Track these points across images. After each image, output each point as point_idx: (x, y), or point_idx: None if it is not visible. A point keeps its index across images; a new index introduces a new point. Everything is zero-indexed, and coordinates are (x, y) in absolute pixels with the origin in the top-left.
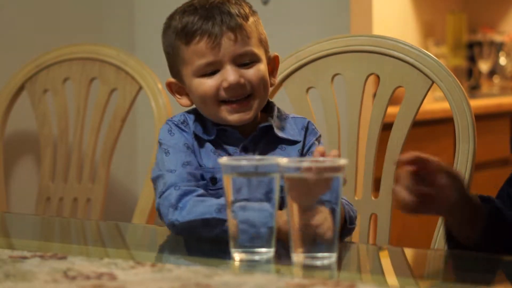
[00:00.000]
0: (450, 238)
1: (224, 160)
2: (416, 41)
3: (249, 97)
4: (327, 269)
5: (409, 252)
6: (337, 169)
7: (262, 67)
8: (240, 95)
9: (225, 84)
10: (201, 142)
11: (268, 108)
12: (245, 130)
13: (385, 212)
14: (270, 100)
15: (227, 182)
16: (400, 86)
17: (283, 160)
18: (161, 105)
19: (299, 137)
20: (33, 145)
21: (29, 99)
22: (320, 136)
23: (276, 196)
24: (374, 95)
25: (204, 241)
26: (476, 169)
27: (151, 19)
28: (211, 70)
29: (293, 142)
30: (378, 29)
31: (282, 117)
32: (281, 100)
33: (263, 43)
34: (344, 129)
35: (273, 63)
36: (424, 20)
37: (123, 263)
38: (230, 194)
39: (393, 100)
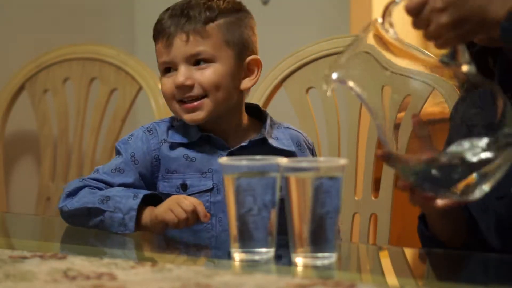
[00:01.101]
0: (424, 225)
1: (224, 160)
2: (416, 41)
3: (202, 98)
4: (327, 269)
5: (409, 252)
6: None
7: (219, 68)
8: (191, 96)
9: (174, 84)
10: (173, 148)
11: (261, 116)
12: (231, 138)
13: (385, 212)
14: (262, 109)
15: (228, 182)
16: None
17: (283, 160)
18: (161, 105)
19: (293, 148)
20: (33, 145)
21: (29, 99)
22: (313, 149)
23: (276, 196)
24: None
25: (204, 240)
26: None
27: (151, 19)
28: (169, 69)
29: (288, 153)
30: None
31: (275, 126)
32: (281, 100)
33: (231, 46)
34: (344, 129)
35: (247, 66)
36: None
37: (123, 263)
38: (230, 194)
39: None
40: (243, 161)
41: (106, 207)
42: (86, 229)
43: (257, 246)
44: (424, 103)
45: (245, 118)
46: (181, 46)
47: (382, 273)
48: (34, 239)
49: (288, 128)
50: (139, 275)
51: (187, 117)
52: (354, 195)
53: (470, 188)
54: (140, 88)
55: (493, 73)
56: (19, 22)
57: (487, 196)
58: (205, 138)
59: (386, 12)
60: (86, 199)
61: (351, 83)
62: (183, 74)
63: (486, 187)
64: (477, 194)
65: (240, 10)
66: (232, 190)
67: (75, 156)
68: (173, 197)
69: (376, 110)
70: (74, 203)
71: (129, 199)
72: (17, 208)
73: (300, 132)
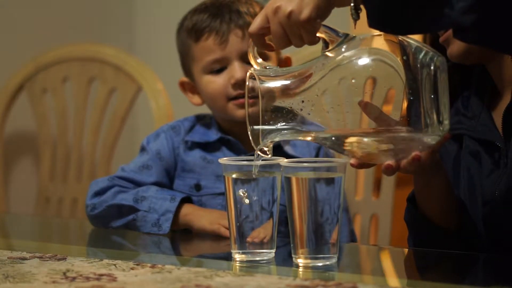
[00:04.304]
0: (412, 201)
1: (224, 159)
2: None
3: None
4: (328, 270)
5: (410, 252)
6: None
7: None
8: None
9: (232, 81)
10: (191, 147)
11: None
12: (249, 143)
13: (386, 213)
14: None
15: (228, 182)
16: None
17: (283, 160)
18: (161, 105)
19: (309, 156)
20: (32, 145)
21: (28, 99)
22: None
23: (276, 196)
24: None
25: (204, 241)
26: None
27: (151, 19)
28: (219, 66)
29: None
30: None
31: None
32: None
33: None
34: None
35: (284, 65)
36: None
37: (123, 264)
38: (231, 194)
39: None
40: (244, 161)
41: (141, 206)
42: (85, 229)
43: (257, 247)
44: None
45: None
46: (237, 42)
47: (383, 274)
48: (34, 239)
49: None
50: (139, 276)
51: (242, 112)
52: (354, 196)
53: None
54: (140, 88)
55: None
56: (19, 22)
57: (473, 202)
58: (224, 140)
59: (252, 57)
60: (120, 197)
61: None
62: (242, 70)
63: (446, 122)
64: (446, 126)
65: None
66: (232, 190)
67: (74, 156)
68: (216, 214)
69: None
70: (105, 201)
71: (166, 201)
72: (16, 209)
73: None
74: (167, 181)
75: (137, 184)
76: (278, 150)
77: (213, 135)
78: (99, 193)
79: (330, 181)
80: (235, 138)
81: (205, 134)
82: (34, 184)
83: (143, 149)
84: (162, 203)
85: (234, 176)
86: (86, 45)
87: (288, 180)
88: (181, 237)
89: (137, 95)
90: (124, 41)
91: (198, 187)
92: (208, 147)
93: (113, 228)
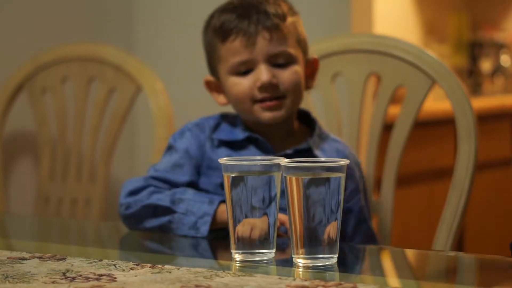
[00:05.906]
0: None
1: (224, 159)
2: (417, 40)
3: (282, 98)
4: (328, 271)
5: (410, 253)
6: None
7: (297, 68)
8: (273, 94)
9: (258, 84)
10: (218, 145)
11: (309, 122)
12: (278, 143)
13: (386, 213)
14: (312, 116)
15: (227, 181)
16: (401, 85)
17: (283, 160)
18: (161, 105)
19: None
20: (32, 145)
21: (28, 99)
22: (360, 164)
23: (276, 196)
24: (375, 94)
25: (204, 241)
26: (477, 170)
27: (150, 19)
28: (245, 68)
29: None
30: (379, 28)
31: (323, 136)
32: None
33: (301, 44)
34: (345, 129)
35: (311, 66)
36: (425, 18)
37: (123, 264)
38: (230, 194)
39: (395, 99)
40: (243, 161)
41: (178, 208)
42: (85, 229)
43: (257, 247)
44: (424, 98)
45: (296, 124)
46: (264, 45)
47: (384, 274)
48: (33, 240)
49: (335, 141)
50: (139, 277)
51: (267, 115)
52: None
53: None
54: (140, 87)
55: None
56: (18, 21)
57: None
58: (252, 139)
59: None
60: (155, 197)
61: None
62: (268, 72)
63: None
64: None
65: (294, 9)
66: (232, 189)
67: (74, 156)
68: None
69: None
70: (140, 201)
71: (204, 204)
72: (15, 209)
73: (347, 147)
74: (197, 179)
75: (172, 183)
76: (308, 153)
77: (240, 133)
78: (134, 192)
79: (329, 181)
80: (263, 137)
81: (231, 133)
82: (33, 184)
83: (170, 148)
84: (200, 206)
85: (234, 175)
86: (86, 44)
87: (288, 180)
88: (181, 237)
89: (137, 95)
90: (124, 41)
91: (223, 186)
92: (235, 145)
93: (145, 229)
